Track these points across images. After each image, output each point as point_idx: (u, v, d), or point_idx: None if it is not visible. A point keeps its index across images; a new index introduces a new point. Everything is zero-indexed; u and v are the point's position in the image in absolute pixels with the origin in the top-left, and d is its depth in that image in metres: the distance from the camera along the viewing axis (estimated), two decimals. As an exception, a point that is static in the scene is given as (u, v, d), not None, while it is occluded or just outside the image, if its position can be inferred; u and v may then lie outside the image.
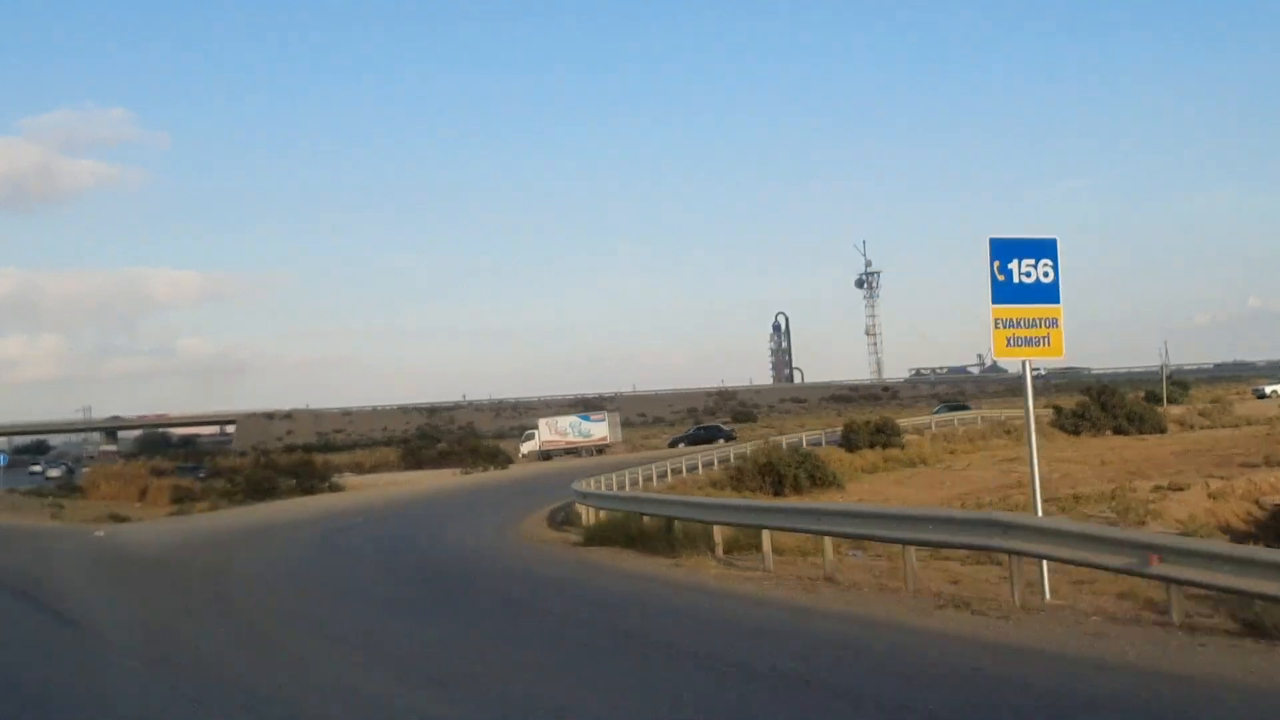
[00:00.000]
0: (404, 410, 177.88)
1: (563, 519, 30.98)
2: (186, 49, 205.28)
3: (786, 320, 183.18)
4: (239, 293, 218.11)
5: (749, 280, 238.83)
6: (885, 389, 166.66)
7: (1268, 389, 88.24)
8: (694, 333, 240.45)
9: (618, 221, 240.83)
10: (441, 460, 74.66)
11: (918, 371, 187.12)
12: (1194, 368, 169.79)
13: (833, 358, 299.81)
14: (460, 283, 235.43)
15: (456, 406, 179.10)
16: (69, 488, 67.54)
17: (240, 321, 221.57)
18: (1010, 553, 12.76)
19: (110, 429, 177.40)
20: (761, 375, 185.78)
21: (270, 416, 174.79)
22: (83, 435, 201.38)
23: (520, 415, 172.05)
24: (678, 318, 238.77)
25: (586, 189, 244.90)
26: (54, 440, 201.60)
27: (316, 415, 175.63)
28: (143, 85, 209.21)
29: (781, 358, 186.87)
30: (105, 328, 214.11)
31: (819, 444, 54.85)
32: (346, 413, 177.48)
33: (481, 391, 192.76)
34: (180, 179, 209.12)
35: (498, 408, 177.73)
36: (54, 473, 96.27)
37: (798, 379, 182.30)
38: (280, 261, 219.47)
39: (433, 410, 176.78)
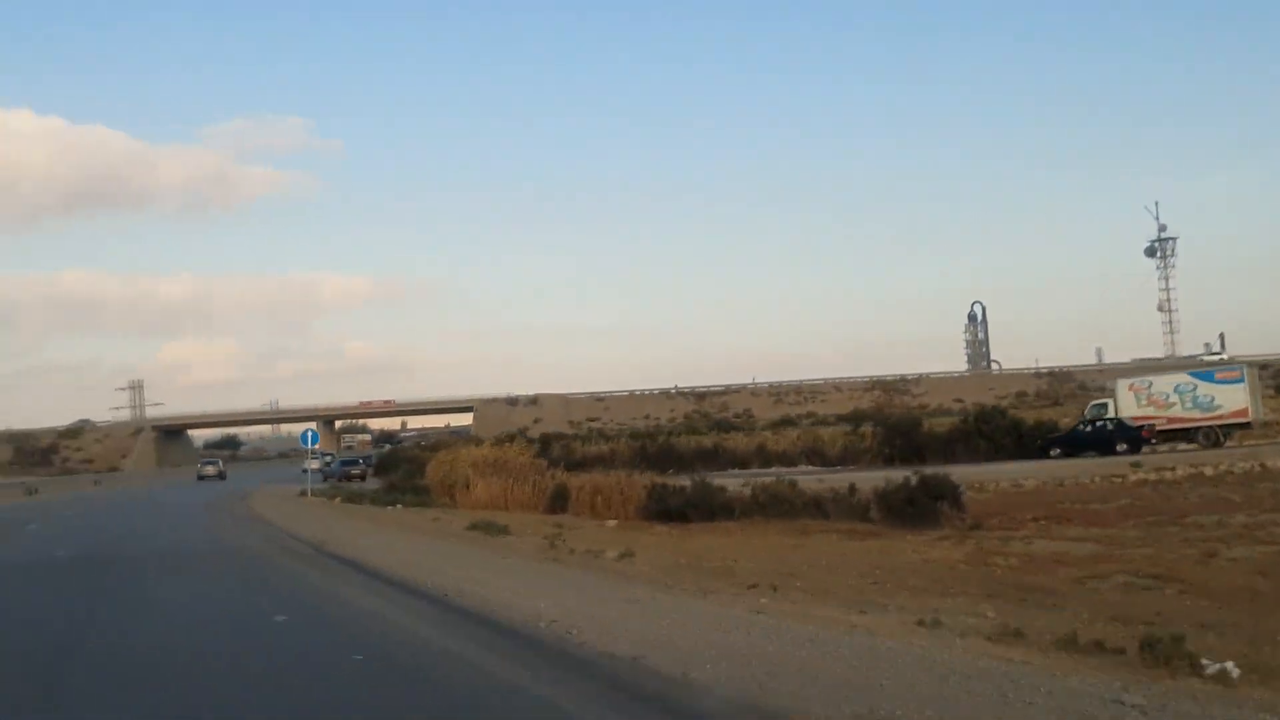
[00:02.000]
0: (667, 395, 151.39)
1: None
2: (361, 58, 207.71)
3: (983, 309, 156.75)
4: (403, 295, 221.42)
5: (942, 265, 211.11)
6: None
7: None
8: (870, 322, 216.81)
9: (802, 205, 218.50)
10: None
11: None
12: None
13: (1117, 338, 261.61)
14: (658, 272, 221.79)
15: (728, 390, 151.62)
16: (406, 489, 42.34)
17: (405, 324, 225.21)
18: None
19: (328, 418, 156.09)
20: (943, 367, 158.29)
21: (512, 402, 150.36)
22: (273, 428, 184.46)
23: (806, 400, 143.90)
24: (860, 305, 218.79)
25: (785, 165, 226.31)
26: (243, 435, 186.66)
27: (566, 400, 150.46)
28: (319, 94, 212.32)
29: (978, 349, 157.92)
30: (277, 331, 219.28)
31: None
32: (599, 398, 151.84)
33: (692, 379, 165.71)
34: (351, 185, 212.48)
35: (778, 390, 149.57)
36: (313, 464, 75.37)
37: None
38: (443, 265, 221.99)
39: (701, 395, 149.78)
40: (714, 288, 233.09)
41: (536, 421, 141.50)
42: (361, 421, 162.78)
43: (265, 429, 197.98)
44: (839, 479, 39.86)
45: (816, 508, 29.58)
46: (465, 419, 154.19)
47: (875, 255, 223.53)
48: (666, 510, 32.01)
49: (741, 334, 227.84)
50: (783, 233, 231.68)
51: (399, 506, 36.92)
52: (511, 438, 56.40)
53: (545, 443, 62.85)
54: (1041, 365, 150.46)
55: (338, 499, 42.05)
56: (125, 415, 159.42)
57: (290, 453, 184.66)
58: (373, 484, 55.79)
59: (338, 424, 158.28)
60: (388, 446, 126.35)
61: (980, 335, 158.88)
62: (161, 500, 49.40)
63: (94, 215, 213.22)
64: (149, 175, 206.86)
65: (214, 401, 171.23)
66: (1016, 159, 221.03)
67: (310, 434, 44.08)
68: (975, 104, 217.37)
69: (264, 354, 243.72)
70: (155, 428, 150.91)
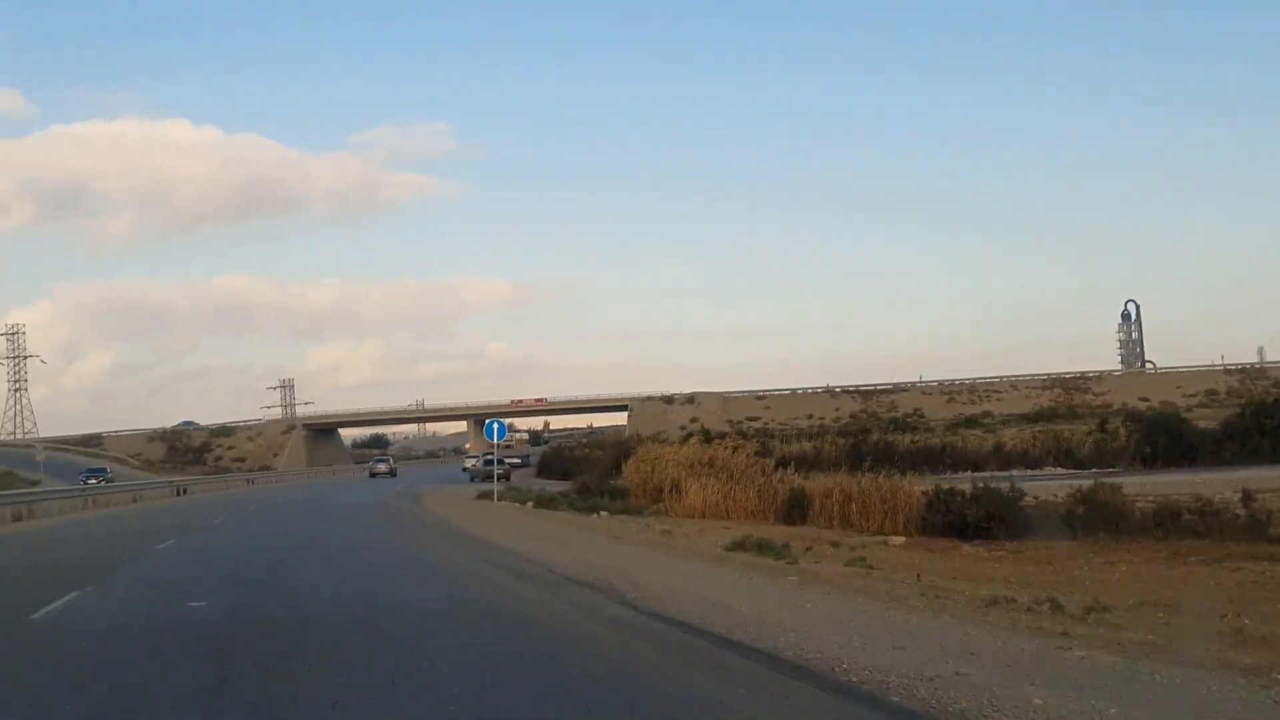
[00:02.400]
0: (830, 393, 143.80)
1: None
2: (506, 63, 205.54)
3: (1137, 308, 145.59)
4: (543, 297, 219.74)
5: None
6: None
7: None
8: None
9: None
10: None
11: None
12: None
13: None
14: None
15: (897, 389, 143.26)
16: (601, 491, 36.59)
17: (544, 325, 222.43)
18: None
19: (479, 416, 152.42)
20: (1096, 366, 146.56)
21: (669, 400, 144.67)
22: (419, 427, 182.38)
23: (981, 399, 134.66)
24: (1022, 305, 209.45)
25: (931, 167, 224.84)
26: (390, 434, 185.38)
27: (724, 399, 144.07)
28: (465, 100, 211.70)
29: (1132, 348, 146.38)
30: (420, 333, 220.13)
31: None
32: (759, 396, 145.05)
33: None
34: (494, 189, 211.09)
35: (949, 389, 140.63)
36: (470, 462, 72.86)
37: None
38: (582, 267, 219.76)
39: (867, 393, 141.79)
40: (862, 288, 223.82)
41: (693, 421, 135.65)
42: (508, 420, 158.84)
43: (411, 428, 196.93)
44: (1134, 482, 32.59)
45: (1172, 521, 22.55)
46: (617, 418, 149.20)
47: (1023, 254, 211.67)
48: (956, 523, 25.33)
49: (894, 333, 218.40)
50: (924, 234, 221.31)
51: (604, 514, 30.95)
52: (709, 437, 50.13)
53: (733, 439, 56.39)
54: (1229, 362, 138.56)
55: (529, 503, 36.34)
56: (276, 414, 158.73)
57: (441, 451, 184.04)
58: (541, 483, 50.02)
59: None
60: (544, 445, 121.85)
61: (1135, 334, 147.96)
62: (329, 504, 43.72)
63: (248, 222, 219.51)
64: (301, 182, 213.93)
65: (360, 402, 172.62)
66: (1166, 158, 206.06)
67: (498, 426, 38.47)
68: (1133, 105, 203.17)
69: (407, 356, 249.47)
70: (306, 426, 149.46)
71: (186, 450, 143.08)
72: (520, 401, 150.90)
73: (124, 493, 54.00)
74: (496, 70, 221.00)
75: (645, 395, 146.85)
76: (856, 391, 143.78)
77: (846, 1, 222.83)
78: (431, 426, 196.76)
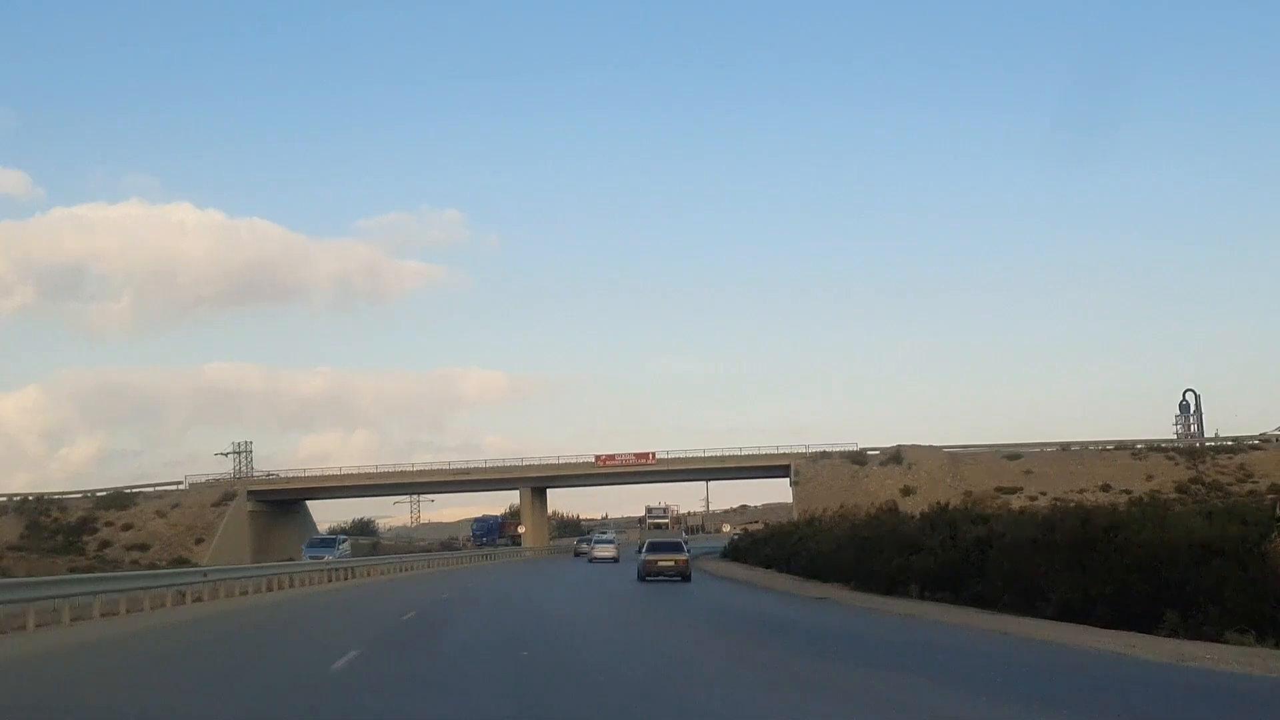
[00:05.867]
0: (1133, 453, 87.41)
1: None
2: (518, 157, 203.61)
3: (1197, 398, 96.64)
4: (538, 393, 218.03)
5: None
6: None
7: None
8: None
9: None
10: None
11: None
12: None
13: None
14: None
15: (1241, 446, 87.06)
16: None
17: (541, 418, 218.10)
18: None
19: (538, 484, 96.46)
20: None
21: (859, 460, 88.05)
22: (412, 518, 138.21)
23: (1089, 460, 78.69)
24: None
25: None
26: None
27: (952, 458, 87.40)
28: (476, 187, 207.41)
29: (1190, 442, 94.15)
30: (414, 425, 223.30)
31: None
32: (1012, 455, 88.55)
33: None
34: (499, 280, 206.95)
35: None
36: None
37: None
38: (581, 364, 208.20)
39: (1195, 453, 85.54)
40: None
41: (906, 492, 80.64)
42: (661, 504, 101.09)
43: (403, 520, 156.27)
44: None
45: None
46: (763, 489, 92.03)
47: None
48: None
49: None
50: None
51: None
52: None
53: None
54: None
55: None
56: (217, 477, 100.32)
57: (455, 541, 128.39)
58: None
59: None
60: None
61: (1194, 427, 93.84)
62: None
63: (246, 307, 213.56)
64: (304, 268, 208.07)
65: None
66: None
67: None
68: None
69: (401, 446, 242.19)
70: (255, 495, 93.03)
71: (55, 531, 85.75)
72: (610, 459, 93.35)
73: None
74: (509, 159, 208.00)
75: (817, 450, 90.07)
76: (1174, 450, 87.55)
77: (871, 90, 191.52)
78: (426, 516, 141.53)
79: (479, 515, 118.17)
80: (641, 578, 38.37)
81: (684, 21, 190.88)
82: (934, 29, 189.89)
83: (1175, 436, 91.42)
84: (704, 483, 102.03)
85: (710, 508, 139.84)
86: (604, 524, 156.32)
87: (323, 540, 64.63)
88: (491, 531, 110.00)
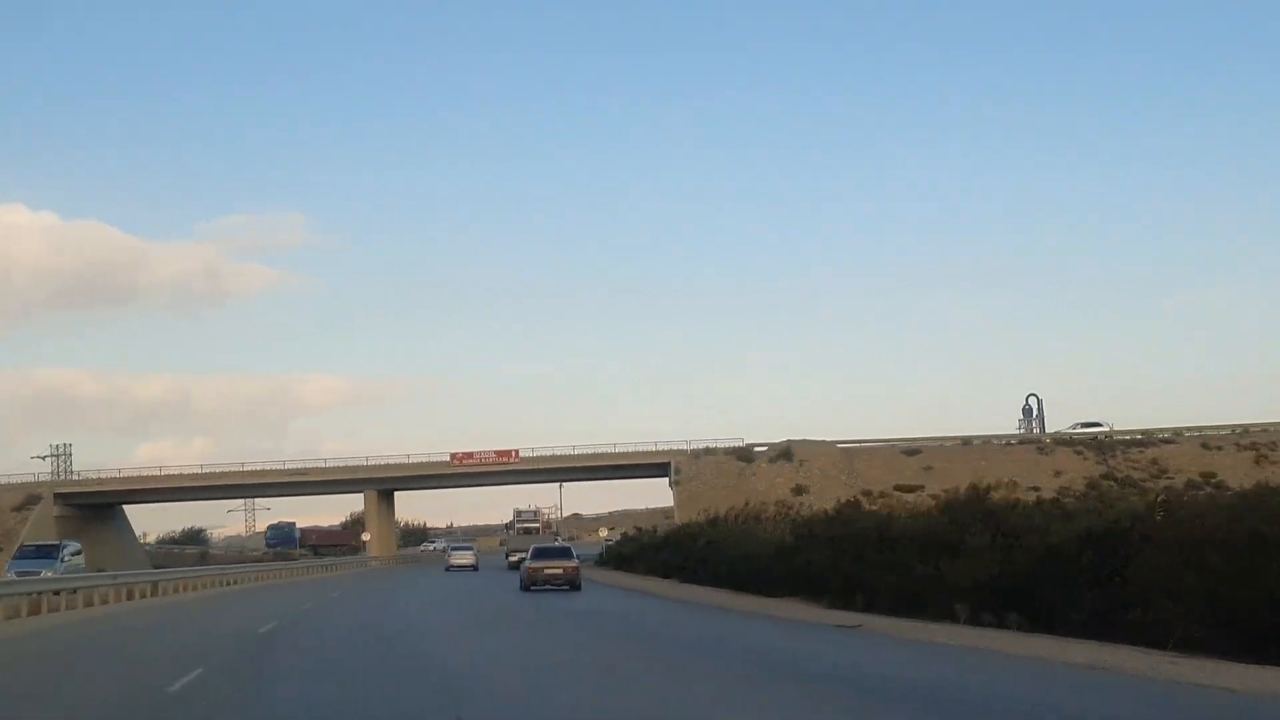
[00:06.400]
0: (1040, 448, 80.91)
1: None
2: (364, 159, 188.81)
3: (1039, 401, 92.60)
4: (386, 398, 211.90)
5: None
6: None
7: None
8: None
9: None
10: None
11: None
12: None
13: None
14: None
15: (1151, 439, 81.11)
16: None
17: (386, 424, 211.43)
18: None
19: (385, 486, 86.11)
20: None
21: (745, 457, 79.40)
22: (247, 527, 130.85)
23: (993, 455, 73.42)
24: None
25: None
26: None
27: (847, 454, 79.36)
28: (322, 190, 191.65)
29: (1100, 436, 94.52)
30: (254, 431, 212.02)
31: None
32: (911, 450, 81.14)
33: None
34: (343, 283, 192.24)
35: (1251, 438, 79.05)
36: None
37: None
38: (432, 370, 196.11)
39: (1104, 446, 79.42)
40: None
41: (798, 491, 73.18)
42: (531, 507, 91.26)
43: (238, 529, 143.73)
44: None
45: None
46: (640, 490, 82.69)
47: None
48: None
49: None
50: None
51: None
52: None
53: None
54: None
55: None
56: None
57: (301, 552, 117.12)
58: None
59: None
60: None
61: (1036, 430, 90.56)
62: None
63: (83, 312, 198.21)
64: (142, 272, 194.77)
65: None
66: None
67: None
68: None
69: (240, 453, 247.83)
70: (63, 498, 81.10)
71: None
72: (467, 458, 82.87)
73: None
74: (355, 161, 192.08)
75: (700, 445, 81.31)
76: (1081, 444, 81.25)
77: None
78: (259, 526, 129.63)
79: (273, 523, 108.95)
80: (525, 587, 35.26)
81: (517, 19, 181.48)
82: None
83: (1084, 429, 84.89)
84: (573, 484, 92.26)
85: (585, 512, 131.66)
86: (450, 532, 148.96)
87: (39, 550, 49.28)
88: (288, 540, 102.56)
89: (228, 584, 48.13)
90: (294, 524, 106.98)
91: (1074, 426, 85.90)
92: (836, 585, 24.19)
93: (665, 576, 42.41)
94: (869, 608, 22.01)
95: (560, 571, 35.35)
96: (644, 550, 51.96)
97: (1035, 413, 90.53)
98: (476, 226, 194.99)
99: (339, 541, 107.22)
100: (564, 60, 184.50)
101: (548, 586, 34.72)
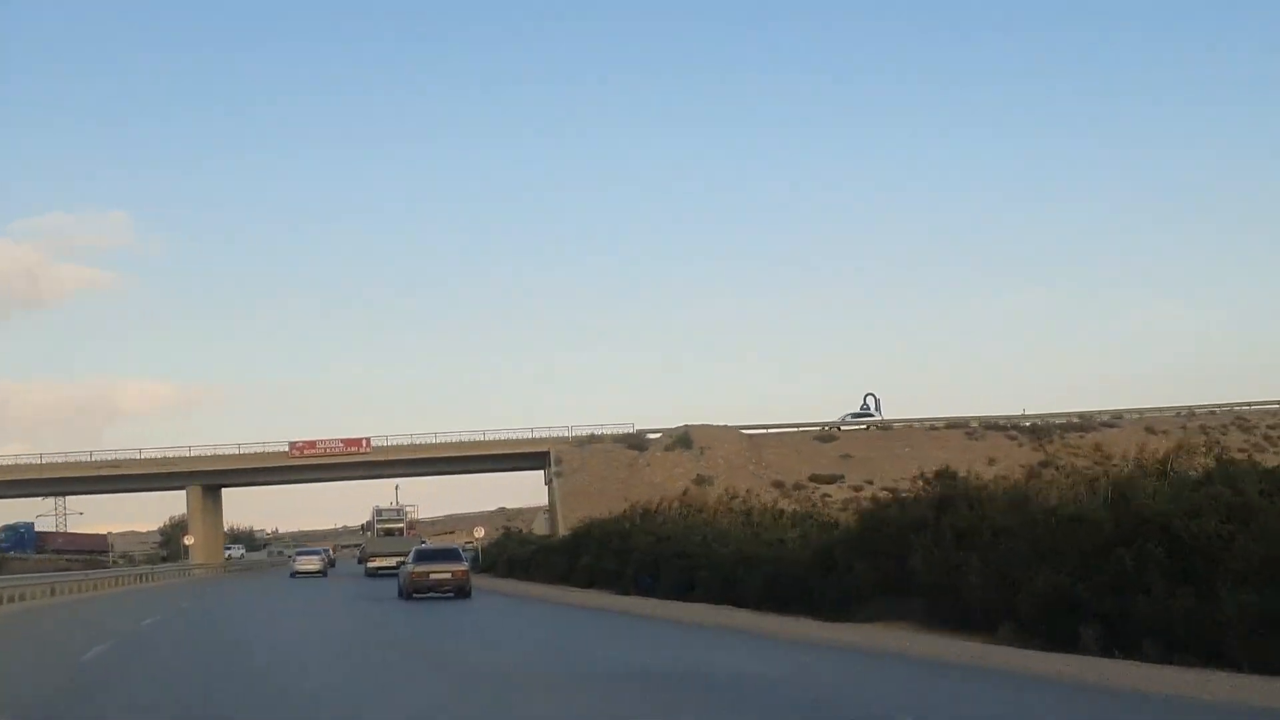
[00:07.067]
0: (969, 433, 71.81)
1: None
2: (191, 157, 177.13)
3: (876, 401, 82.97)
4: (215, 402, 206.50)
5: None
6: None
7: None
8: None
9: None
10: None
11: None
12: None
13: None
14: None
15: (1089, 422, 72.34)
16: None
17: (218, 433, 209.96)
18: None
19: (213, 482, 73.62)
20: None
21: (638, 445, 68.43)
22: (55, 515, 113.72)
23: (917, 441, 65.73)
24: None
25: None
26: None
27: (755, 442, 69.01)
28: (147, 189, 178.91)
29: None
30: (71, 437, 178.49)
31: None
32: (825, 436, 70.99)
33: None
34: (169, 285, 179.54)
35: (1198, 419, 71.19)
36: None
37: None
38: (260, 372, 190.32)
39: (1042, 430, 70.67)
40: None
41: (701, 481, 63.21)
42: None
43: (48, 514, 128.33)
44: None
45: None
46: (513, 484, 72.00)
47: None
48: None
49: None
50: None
51: None
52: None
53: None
54: None
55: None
56: None
57: (111, 554, 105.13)
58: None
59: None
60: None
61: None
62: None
63: None
64: None
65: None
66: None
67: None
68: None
69: (51, 461, 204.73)
70: None
71: None
72: (309, 447, 70.25)
73: None
74: (181, 159, 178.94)
75: (584, 432, 70.08)
76: (1016, 428, 72.34)
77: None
78: (79, 528, 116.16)
79: (8, 523, 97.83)
80: (407, 595, 32.68)
81: (369, 10, 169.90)
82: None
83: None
84: (446, 479, 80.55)
85: (462, 511, 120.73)
86: (276, 537, 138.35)
87: None
88: (24, 543, 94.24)
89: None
90: (32, 524, 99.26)
91: (844, 418, 76.78)
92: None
93: (589, 586, 34.34)
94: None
95: (448, 576, 32.40)
96: (549, 554, 42.40)
97: (875, 410, 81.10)
98: (312, 224, 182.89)
99: (90, 547, 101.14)
100: (393, 50, 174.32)
101: (432, 594, 31.92)
